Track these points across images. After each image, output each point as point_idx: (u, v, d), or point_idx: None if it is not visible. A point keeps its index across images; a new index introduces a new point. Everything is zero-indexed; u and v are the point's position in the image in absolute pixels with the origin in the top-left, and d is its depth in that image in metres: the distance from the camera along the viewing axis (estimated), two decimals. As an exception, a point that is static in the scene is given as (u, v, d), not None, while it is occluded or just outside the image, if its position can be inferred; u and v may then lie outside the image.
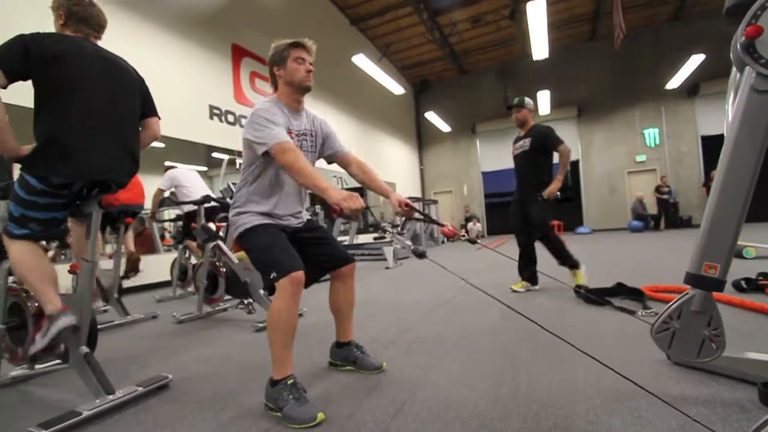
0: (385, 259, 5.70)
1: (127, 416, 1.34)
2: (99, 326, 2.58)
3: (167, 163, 3.80)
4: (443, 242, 11.03)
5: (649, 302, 2.39)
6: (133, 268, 3.20)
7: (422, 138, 14.94)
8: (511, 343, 1.86)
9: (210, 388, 1.54)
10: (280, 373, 1.28)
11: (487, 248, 2.18)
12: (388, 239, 7.34)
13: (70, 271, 2.38)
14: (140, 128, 1.66)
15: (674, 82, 10.47)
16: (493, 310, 2.49)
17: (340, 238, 7.21)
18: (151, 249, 5.39)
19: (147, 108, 1.67)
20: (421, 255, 1.41)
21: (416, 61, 12.69)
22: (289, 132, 1.47)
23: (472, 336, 2.02)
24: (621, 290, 2.60)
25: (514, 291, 3.04)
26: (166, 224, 6.36)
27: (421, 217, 1.69)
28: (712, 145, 10.76)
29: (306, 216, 1.65)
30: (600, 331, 1.96)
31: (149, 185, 3.69)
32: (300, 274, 1.30)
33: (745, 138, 1.09)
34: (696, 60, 9.28)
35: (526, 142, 3.06)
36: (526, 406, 1.22)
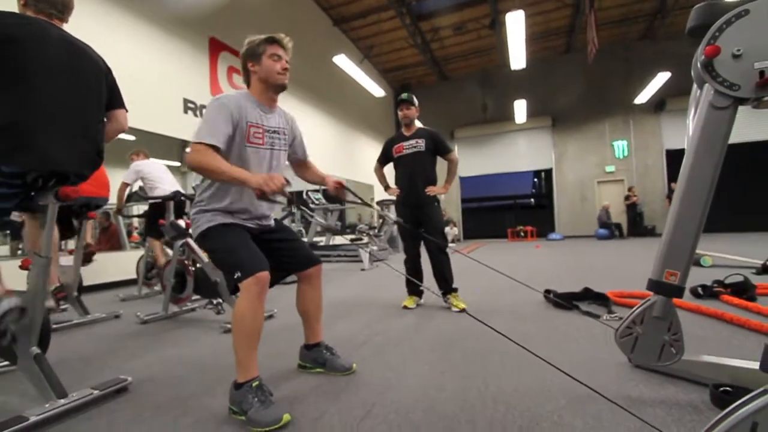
0: (361, 261, 5.67)
1: (80, 421, 1.27)
2: (55, 326, 2.46)
3: (137, 163, 3.61)
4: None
5: (614, 307, 2.48)
6: (85, 260, 3.02)
7: (402, 141, 14.98)
8: (481, 346, 1.88)
9: (172, 391, 1.48)
10: (244, 375, 1.25)
11: (460, 253, 2.21)
12: (364, 241, 7.33)
13: (21, 267, 2.24)
14: (105, 119, 1.58)
15: (642, 97, 10.97)
16: (465, 313, 2.52)
17: (315, 239, 7.14)
18: (117, 245, 5.16)
19: (113, 99, 1.59)
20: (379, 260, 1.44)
21: (398, 65, 12.75)
22: (258, 127, 1.43)
23: (443, 339, 2.03)
24: (588, 295, 2.68)
25: (407, 308, 2.76)
26: (135, 220, 6.12)
27: (356, 198, 1.79)
28: (675, 159, 11.34)
29: (272, 217, 1.62)
30: (567, 334, 2.02)
31: (118, 179, 3.54)
32: (265, 275, 1.27)
33: (704, 152, 1.14)
34: (662, 77, 9.77)
35: (420, 143, 2.84)
36: (493, 408, 1.23)
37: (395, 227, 8.82)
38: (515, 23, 7.28)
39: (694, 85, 1.25)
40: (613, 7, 10.09)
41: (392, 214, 9.01)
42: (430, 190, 2.79)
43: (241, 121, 1.39)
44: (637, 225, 11.14)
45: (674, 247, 1.20)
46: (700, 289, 2.70)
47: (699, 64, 1.12)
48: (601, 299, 2.60)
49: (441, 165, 2.87)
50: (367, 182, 11.84)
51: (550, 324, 2.23)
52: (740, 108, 1.13)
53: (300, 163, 1.73)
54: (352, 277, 4.81)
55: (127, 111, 1.64)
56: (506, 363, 1.62)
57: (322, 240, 7.34)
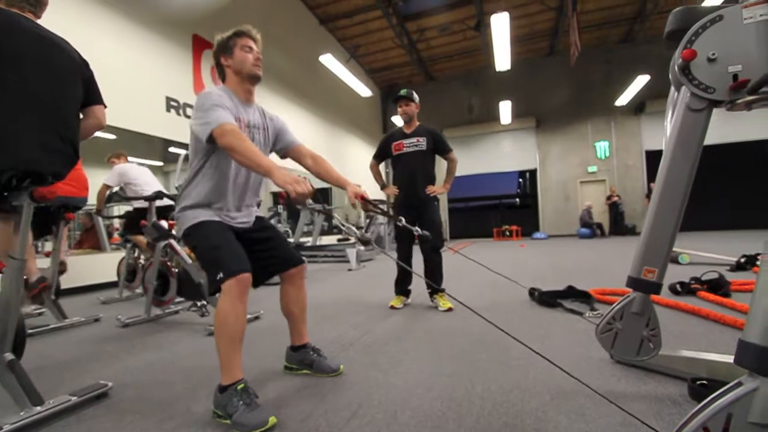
0: (348, 261, 5.66)
1: (57, 429, 1.23)
2: (31, 331, 2.38)
3: (120, 166, 3.53)
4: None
5: (597, 304, 2.53)
6: (36, 295, 2.82)
7: (388, 141, 15.02)
8: (469, 344, 1.89)
9: (154, 396, 1.44)
10: (228, 378, 1.23)
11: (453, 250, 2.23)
12: (351, 241, 7.31)
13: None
14: (82, 115, 1.53)
15: (623, 100, 11.24)
16: (453, 312, 2.54)
17: (302, 239, 7.09)
18: (97, 246, 5.02)
19: (90, 94, 1.54)
20: (366, 242, 1.43)
21: (384, 65, 12.76)
22: (239, 120, 1.41)
23: (430, 338, 2.04)
24: (571, 293, 2.74)
25: (394, 308, 2.73)
26: (116, 222, 5.97)
27: (377, 209, 1.69)
28: (654, 160, 11.66)
29: (256, 214, 1.59)
30: (551, 331, 2.05)
31: (98, 179, 3.45)
32: (247, 276, 1.26)
33: (680, 152, 1.18)
34: (642, 80, 10.02)
35: (421, 141, 2.78)
36: (480, 406, 1.24)
37: (382, 227, 8.83)
38: (500, 25, 7.37)
39: (672, 88, 1.28)
40: (595, 10, 10.31)
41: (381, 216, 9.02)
42: (431, 190, 2.75)
43: (233, 110, 1.39)
44: (618, 224, 11.40)
45: (652, 246, 1.24)
46: (678, 286, 2.78)
47: (676, 67, 1.15)
48: (584, 297, 2.65)
49: (437, 164, 2.87)
50: (355, 182, 11.78)
51: (535, 321, 2.27)
52: (717, 110, 1.17)
53: (298, 152, 1.63)
54: (339, 277, 4.79)
55: (105, 107, 1.59)
56: (492, 361, 1.64)
57: (308, 240, 7.29)
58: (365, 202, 1.56)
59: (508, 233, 12.64)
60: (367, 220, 8.91)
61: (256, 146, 1.32)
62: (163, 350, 2.05)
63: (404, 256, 2.82)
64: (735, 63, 1.07)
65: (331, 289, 3.90)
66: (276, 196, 8.46)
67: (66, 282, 3.58)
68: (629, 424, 1.07)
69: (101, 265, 4.56)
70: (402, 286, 2.87)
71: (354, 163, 11.97)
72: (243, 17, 7.12)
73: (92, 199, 3.02)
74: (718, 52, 1.09)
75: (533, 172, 13.23)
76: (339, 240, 8.56)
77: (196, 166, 1.42)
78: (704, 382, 1.21)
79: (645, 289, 1.26)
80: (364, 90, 10.45)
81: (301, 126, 8.86)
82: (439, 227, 2.81)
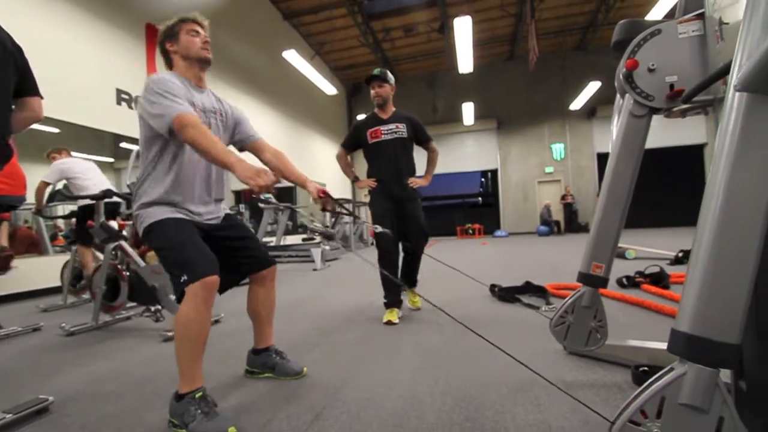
0: (313, 261, 5.59)
1: (-11, 449, 1.13)
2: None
3: (61, 161, 3.27)
4: (372, 244, 11.15)
5: (552, 299, 2.66)
6: (2, 266, 2.70)
7: (354, 140, 14.97)
8: (432, 341, 1.93)
9: (102, 408, 1.36)
10: (187, 385, 1.17)
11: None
12: (316, 240, 7.22)
13: None
14: (14, 107, 1.40)
15: (576, 104, 11.87)
16: (418, 310, 2.57)
17: (265, 239, 6.91)
18: (32, 250, 4.62)
19: (25, 84, 1.41)
20: (330, 237, 1.40)
21: (349, 63, 12.70)
22: (193, 105, 1.33)
23: (395, 337, 2.06)
24: (529, 288, 2.86)
25: (390, 323, 2.28)
26: (60, 222, 5.53)
27: (340, 207, 1.63)
28: (605, 161, 12.30)
29: (224, 210, 1.52)
30: (510, 325, 2.13)
31: (37, 177, 3.18)
32: (214, 279, 1.20)
33: (624, 155, 1.27)
34: (594, 86, 10.63)
35: (401, 128, 2.48)
36: (441, 402, 1.27)
37: (347, 226, 8.79)
38: (463, 28, 7.55)
39: (618, 95, 1.37)
40: (552, 18, 10.81)
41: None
42: (413, 182, 2.50)
43: (186, 95, 1.31)
44: (572, 222, 12.04)
45: (599, 242, 1.32)
46: (624, 280, 2.98)
47: (621, 76, 1.23)
48: (540, 292, 2.78)
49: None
50: (320, 180, 11.66)
51: (495, 316, 2.35)
52: (658, 117, 1.26)
53: (258, 147, 1.57)
54: (304, 277, 4.72)
55: (42, 98, 1.46)
56: (454, 356, 1.68)
57: (272, 240, 7.12)
58: (328, 198, 1.52)
59: (471, 231, 12.98)
60: (332, 219, 8.84)
61: (215, 135, 1.27)
62: (112, 359, 1.92)
63: (389, 263, 2.40)
64: (671, 74, 1.16)
65: (295, 289, 3.83)
66: (238, 195, 8.19)
67: (0, 288, 3.29)
68: (580, 410, 1.13)
69: (42, 270, 4.22)
70: (393, 296, 2.43)
71: (319, 161, 11.83)
72: (201, 7, 6.81)
73: (31, 198, 2.79)
74: (657, 63, 1.17)
75: (494, 172, 13.68)
76: (304, 239, 8.42)
77: (151, 158, 1.33)
78: (646, 368, 1.30)
79: (593, 284, 1.34)
80: (329, 88, 10.35)
81: (264, 123, 8.63)
82: (425, 225, 2.52)
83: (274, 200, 6.19)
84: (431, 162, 2.63)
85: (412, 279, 2.62)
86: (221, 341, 2.09)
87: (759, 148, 0.65)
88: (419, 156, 2.63)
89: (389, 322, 2.28)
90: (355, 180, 2.70)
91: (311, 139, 11.52)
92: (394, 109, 2.57)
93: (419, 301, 2.58)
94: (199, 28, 1.41)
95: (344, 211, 1.69)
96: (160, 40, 1.42)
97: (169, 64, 1.43)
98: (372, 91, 2.50)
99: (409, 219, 2.48)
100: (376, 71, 2.48)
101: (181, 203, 1.35)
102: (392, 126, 2.49)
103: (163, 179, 1.32)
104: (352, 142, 2.64)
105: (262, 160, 1.57)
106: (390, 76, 2.50)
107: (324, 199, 1.51)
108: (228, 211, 1.55)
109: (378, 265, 2.38)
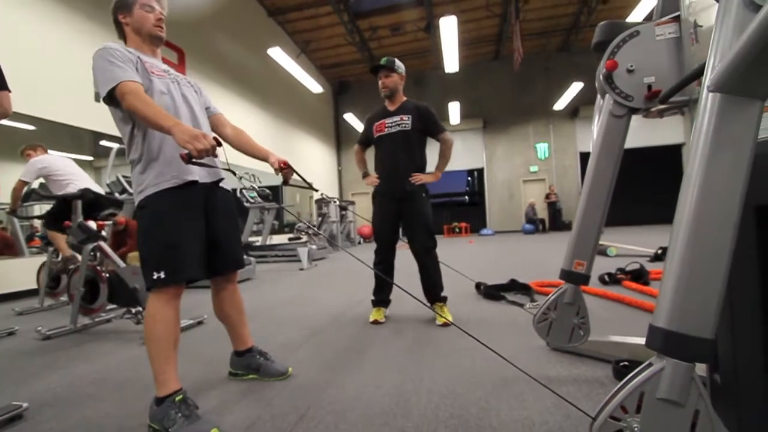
0: (300, 260, 5.54)
1: (-41, 459, 1.08)
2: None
3: (39, 159, 3.16)
4: (360, 243, 11.14)
5: (536, 296, 2.70)
6: None
7: (341, 139, 14.91)
8: (418, 341, 1.93)
9: (80, 414, 1.32)
10: (164, 389, 1.15)
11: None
12: (303, 240, 7.17)
13: None
14: None
15: (560, 104, 12.06)
16: (403, 310, 2.57)
17: (251, 239, 6.83)
18: (5, 251, 4.46)
19: None
20: (265, 197, 1.39)
21: (336, 62, 12.64)
22: (151, 72, 1.27)
23: (381, 336, 2.06)
24: (514, 286, 2.89)
25: (377, 322, 2.26)
26: (36, 222, 5.35)
27: (300, 179, 1.64)
28: (588, 160, 12.65)
29: (220, 172, 1.40)
30: (494, 323, 2.16)
31: (11, 175, 3.08)
32: (182, 285, 1.18)
33: (604, 154, 1.29)
34: (577, 86, 10.81)
35: (405, 119, 2.30)
36: (427, 399, 1.27)
37: (334, 225, 8.75)
38: (449, 28, 7.58)
39: (598, 96, 1.40)
40: (536, 20, 10.95)
41: (332, 211, 8.93)
42: (416, 178, 2.28)
43: (135, 61, 1.25)
44: (556, 220, 12.24)
45: (581, 240, 1.34)
46: (606, 277, 3.04)
47: (601, 76, 1.26)
48: (524, 289, 2.82)
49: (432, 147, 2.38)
50: (307, 180, 11.57)
51: (480, 313, 2.37)
52: (638, 117, 1.29)
53: (217, 121, 1.52)
54: (290, 277, 4.68)
55: (10, 92, 1.40)
56: (440, 354, 1.69)
57: (258, 240, 7.03)
58: (289, 169, 1.49)
59: (457, 230, 13.08)
60: (320, 218, 8.78)
61: (192, 95, 1.32)
62: (91, 363, 1.87)
63: (386, 259, 2.35)
64: (649, 75, 1.19)
65: (282, 289, 3.79)
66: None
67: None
68: (562, 406, 1.15)
69: (16, 272, 4.08)
70: (381, 295, 2.37)
71: (305, 160, 11.75)
72: (183, 4, 6.69)
73: (5, 197, 2.69)
74: (636, 64, 1.20)
75: (480, 171, 13.80)
76: (290, 239, 8.35)
77: (132, 138, 1.25)
78: (626, 363, 1.33)
79: (575, 281, 1.37)
80: (315, 86, 10.28)
81: (249, 120, 8.52)
82: (430, 222, 2.30)
83: (260, 199, 6.13)
84: (442, 155, 2.42)
85: (434, 294, 2.29)
86: (204, 343, 2.05)
87: (731, 146, 0.67)
88: (433, 149, 2.43)
89: (375, 321, 2.26)
90: (364, 176, 2.54)
91: (298, 137, 11.43)
92: (404, 98, 2.39)
93: (449, 315, 2.24)
94: (154, 3, 1.34)
95: (305, 184, 1.72)
96: (114, 11, 1.35)
97: (123, 37, 1.37)
98: (379, 82, 2.34)
99: (410, 217, 2.30)
100: (383, 60, 2.32)
101: (180, 173, 1.24)
102: (397, 118, 2.32)
103: (154, 157, 1.23)
104: (365, 136, 2.51)
105: (222, 135, 1.52)
106: (399, 64, 2.33)
107: (286, 170, 1.49)
108: (226, 187, 1.46)
109: (372, 265, 2.28)
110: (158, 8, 1.35)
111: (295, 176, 1.54)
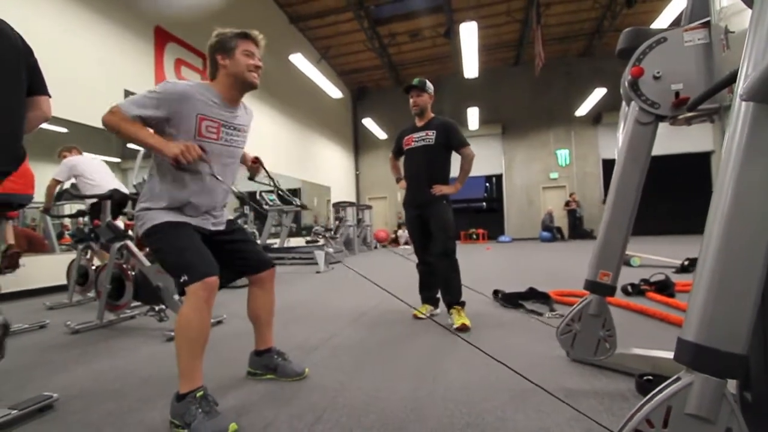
0: (316, 263, 5.59)
1: (-6, 445, 1.14)
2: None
3: (70, 159, 3.32)
4: (376, 247, 11.15)
5: (555, 305, 2.64)
6: (10, 264, 2.73)
7: (359, 143, 15.02)
8: (432, 347, 1.92)
9: (105, 407, 1.36)
10: (187, 385, 1.18)
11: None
12: (320, 243, 7.23)
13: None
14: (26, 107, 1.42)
15: (582, 110, 11.84)
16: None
17: (269, 241, 6.93)
18: (30, 248, 4.63)
19: (35, 84, 1.42)
20: (287, 201, 1.49)
21: (355, 68, 12.76)
22: (213, 121, 1.35)
23: (396, 341, 2.05)
24: (532, 294, 2.84)
25: (418, 318, 2.45)
26: (66, 221, 5.57)
27: (267, 177, 1.79)
28: (610, 168, 12.30)
29: (226, 216, 1.55)
30: (512, 331, 2.12)
31: (45, 175, 3.22)
32: (214, 279, 1.22)
33: (630, 162, 1.26)
34: (599, 93, 10.61)
35: (430, 135, 2.48)
36: (442, 407, 1.26)
37: (351, 229, 8.80)
38: (469, 33, 7.57)
39: (623, 102, 1.37)
40: (557, 25, 10.81)
41: (350, 216, 8.97)
42: (437, 189, 2.41)
43: (184, 111, 1.30)
44: (576, 228, 11.97)
45: (606, 250, 1.31)
46: (629, 287, 2.96)
47: (626, 83, 1.23)
48: (544, 298, 2.77)
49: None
50: (325, 184, 11.70)
51: (497, 322, 2.34)
52: (664, 124, 1.26)
53: None
54: (306, 280, 4.72)
55: (50, 97, 1.48)
56: (456, 361, 1.68)
57: (276, 242, 7.14)
58: (260, 165, 1.63)
59: (475, 236, 12.95)
60: (336, 222, 8.85)
61: (229, 151, 1.41)
62: (116, 358, 1.94)
63: (422, 261, 2.56)
64: (677, 81, 1.16)
65: (298, 291, 3.84)
66: (241, 199, 8.22)
67: (7, 285, 3.32)
68: (582, 418, 1.12)
69: (48, 268, 4.25)
70: (427, 292, 2.58)
71: (324, 165, 11.88)
72: (208, 10, 6.91)
73: (38, 197, 2.82)
74: (663, 70, 1.17)
75: (499, 177, 13.65)
76: (307, 242, 8.44)
77: (155, 163, 1.38)
78: (650, 377, 1.29)
79: (601, 292, 1.34)
80: (334, 91, 10.41)
81: (268, 124, 8.69)
82: (448, 226, 2.39)
83: (279, 202, 6.23)
84: (462, 168, 2.54)
85: (452, 297, 2.34)
86: (223, 343, 2.09)
87: (765, 157, 0.65)
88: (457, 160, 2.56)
89: (415, 317, 2.48)
90: (398, 180, 2.73)
91: (317, 141, 11.57)
92: (432, 116, 2.59)
93: (465, 319, 2.23)
94: (254, 49, 1.40)
95: (270, 182, 1.86)
96: (213, 50, 1.39)
97: (213, 76, 1.41)
98: (411, 101, 2.54)
99: (430, 221, 2.44)
100: (415, 81, 2.52)
101: (187, 210, 1.37)
102: (422, 134, 2.52)
103: (173, 188, 1.34)
104: (396, 148, 2.74)
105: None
106: (429, 85, 2.55)
107: (256, 165, 1.62)
108: (230, 218, 1.57)
109: (416, 265, 2.62)
110: (257, 54, 1.41)
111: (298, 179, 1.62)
